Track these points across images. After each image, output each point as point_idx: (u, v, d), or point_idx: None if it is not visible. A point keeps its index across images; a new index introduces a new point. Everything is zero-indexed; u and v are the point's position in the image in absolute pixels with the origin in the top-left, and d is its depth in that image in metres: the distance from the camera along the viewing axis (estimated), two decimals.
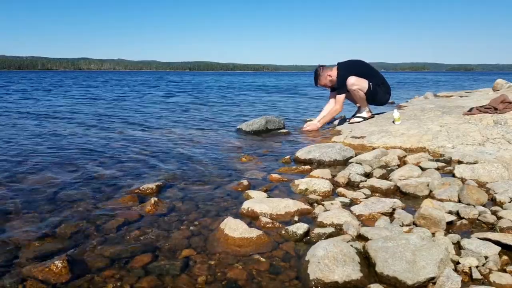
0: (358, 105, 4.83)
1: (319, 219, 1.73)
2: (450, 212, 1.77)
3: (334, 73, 4.65)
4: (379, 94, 4.66)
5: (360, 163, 2.62)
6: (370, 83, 4.53)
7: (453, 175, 2.38)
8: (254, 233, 1.56)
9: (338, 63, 4.75)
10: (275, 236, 1.59)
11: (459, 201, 1.93)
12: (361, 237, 1.54)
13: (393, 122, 4.03)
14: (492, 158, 2.64)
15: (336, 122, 5.05)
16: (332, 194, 2.13)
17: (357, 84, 4.51)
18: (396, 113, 4.04)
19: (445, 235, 1.52)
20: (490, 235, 1.46)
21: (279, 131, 4.29)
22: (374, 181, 2.24)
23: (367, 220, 1.75)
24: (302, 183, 2.21)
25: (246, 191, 2.13)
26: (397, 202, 1.90)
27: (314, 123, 4.61)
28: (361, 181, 2.28)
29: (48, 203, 1.96)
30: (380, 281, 1.23)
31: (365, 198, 2.03)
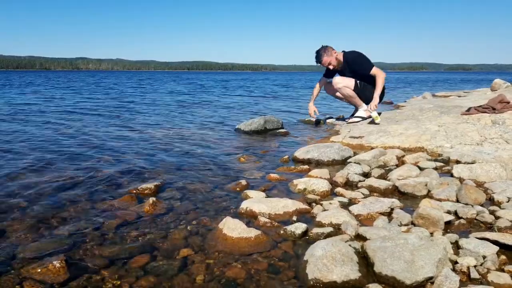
0: (358, 105, 4.84)
1: (317, 219, 1.73)
2: (449, 212, 1.78)
3: (340, 56, 4.64)
4: (369, 92, 4.64)
5: (358, 163, 2.62)
6: (358, 81, 4.58)
7: (451, 175, 2.38)
8: (253, 232, 1.56)
9: (344, 52, 4.72)
10: (273, 235, 1.59)
11: (457, 201, 1.94)
12: (359, 237, 1.54)
13: (373, 121, 4.13)
14: (490, 158, 2.65)
15: (330, 121, 5.06)
16: (330, 194, 2.13)
17: (342, 82, 4.59)
18: (374, 113, 4.15)
19: (444, 234, 1.52)
20: (488, 234, 1.46)
21: (277, 131, 4.29)
22: (373, 181, 2.24)
23: (365, 220, 1.76)
24: (300, 183, 2.21)
25: (245, 191, 2.13)
26: (395, 202, 1.90)
27: (373, 102, 4.30)
28: (360, 181, 2.28)
29: (46, 203, 1.95)
30: (378, 281, 1.24)
31: (364, 198, 2.03)
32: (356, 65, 4.55)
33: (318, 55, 4.69)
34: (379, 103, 4.43)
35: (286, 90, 14.13)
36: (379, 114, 4.31)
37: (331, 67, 4.70)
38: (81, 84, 18.42)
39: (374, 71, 4.42)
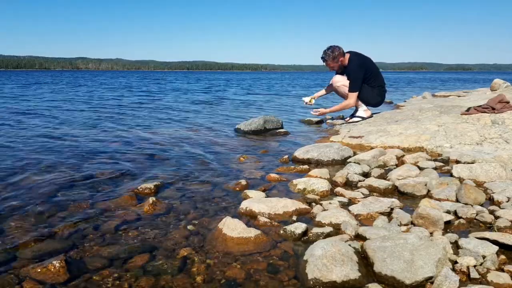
0: (358, 105, 4.85)
1: (317, 219, 1.73)
2: (448, 212, 1.78)
3: (345, 60, 4.74)
4: (367, 94, 4.71)
5: (358, 163, 2.62)
6: None
7: (451, 175, 2.38)
8: (252, 232, 1.56)
9: (350, 52, 4.77)
10: (273, 235, 1.59)
11: (457, 201, 1.94)
12: (359, 237, 1.54)
13: (306, 103, 4.98)
14: (489, 157, 2.65)
15: (329, 121, 5.06)
16: (330, 194, 2.13)
17: (341, 81, 4.77)
18: (306, 98, 5.00)
19: (443, 234, 1.53)
20: (487, 234, 1.46)
21: (277, 131, 4.29)
22: (372, 181, 2.24)
23: (365, 220, 1.76)
24: (300, 183, 2.21)
25: (245, 191, 2.13)
26: (395, 201, 1.90)
27: (323, 109, 4.94)
28: (359, 181, 2.29)
29: (46, 203, 1.95)
30: (378, 280, 1.24)
31: (363, 197, 2.03)
32: (349, 76, 4.77)
33: (325, 57, 4.77)
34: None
35: (293, 89, 14.26)
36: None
37: (332, 70, 4.89)
38: (88, 83, 18.42)
39: (349, 95, 4.71)
